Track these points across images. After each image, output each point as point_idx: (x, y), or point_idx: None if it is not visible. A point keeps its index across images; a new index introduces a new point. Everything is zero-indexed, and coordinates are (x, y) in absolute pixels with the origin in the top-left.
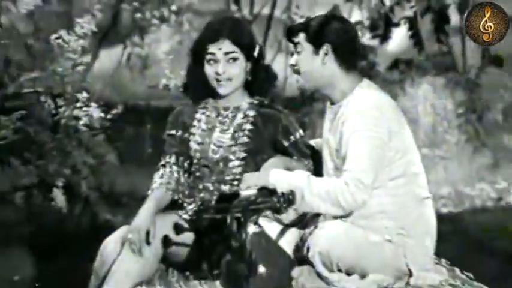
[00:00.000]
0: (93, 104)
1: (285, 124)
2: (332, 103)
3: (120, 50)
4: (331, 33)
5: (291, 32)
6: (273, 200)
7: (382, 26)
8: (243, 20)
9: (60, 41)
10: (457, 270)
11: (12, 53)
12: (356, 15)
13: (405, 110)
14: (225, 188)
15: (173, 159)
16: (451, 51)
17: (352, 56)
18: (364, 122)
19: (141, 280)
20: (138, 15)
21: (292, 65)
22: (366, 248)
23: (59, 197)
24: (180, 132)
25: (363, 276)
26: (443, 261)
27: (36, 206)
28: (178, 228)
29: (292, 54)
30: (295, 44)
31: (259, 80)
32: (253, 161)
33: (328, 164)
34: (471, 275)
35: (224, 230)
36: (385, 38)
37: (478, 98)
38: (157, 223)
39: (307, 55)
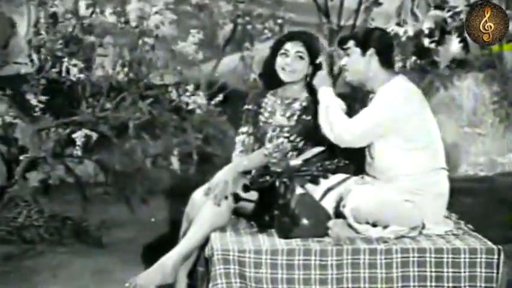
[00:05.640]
0: (200, 93)
1: None
2: (373, 92)
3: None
4: (375, 40)
5: (342, 40)
6: (312, 170)
7: (438, 33)
8: (316, 36)
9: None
10: (462, 223)
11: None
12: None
13: (453, 97)
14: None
15: (248, 129)
16: (490, 53)
17: (390, 57)
18: (392, 98)
19: (218, 226)
20: (249, 26)
21: (343, 65)
22: (388, 206)
23: (175, 162)
24: (255, 108)
25: (385, 227)
26: (453, 215)
27: (159, 168)
28: (245, 188)
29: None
30: (345, 49)
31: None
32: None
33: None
34: (471, 227)
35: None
36: (440, 42)
37: (509, 89)
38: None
39: (356, 57)
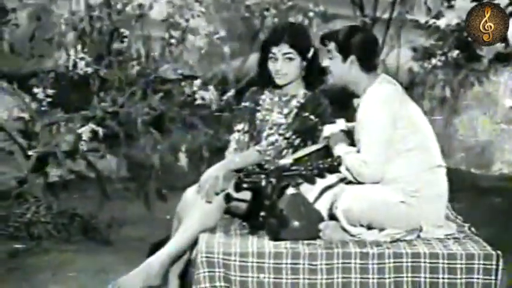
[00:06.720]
0: (211, 88)
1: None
2: (357, 96)
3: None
4: (355, 46)
5: (324, 39)
6: (301, 169)
7: None
8: (303, 26)
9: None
10: (466, 227)
11: None
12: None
13: (488, 93)
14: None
15: (244, 126)
16: None
17: (372, 61)
18: (373, 111)
19: (208, 226)
20: (275, 19)
21: (326, 67)
22: (381, 207)
23: (183, 159)
24: (252, 105)
25: (381, 230)
26: (459, 217)
27: (167, 165)
28: (236, 187)
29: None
30: (328, 51)
31: (312, 76)
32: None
33: (357, 144)
34: (474, 231)
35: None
36: None
37: None
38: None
39: (337, 62)
